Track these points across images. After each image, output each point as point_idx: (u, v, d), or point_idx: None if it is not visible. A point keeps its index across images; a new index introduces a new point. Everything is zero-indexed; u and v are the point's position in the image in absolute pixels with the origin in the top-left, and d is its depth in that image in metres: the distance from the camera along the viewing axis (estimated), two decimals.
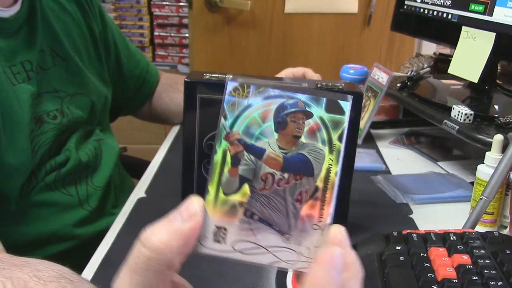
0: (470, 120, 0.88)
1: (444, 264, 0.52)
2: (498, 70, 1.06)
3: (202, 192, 0.68)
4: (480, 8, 0.91)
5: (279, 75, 1.07)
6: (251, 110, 0.34)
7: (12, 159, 0.70)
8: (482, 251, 0.53)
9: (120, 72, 1.03)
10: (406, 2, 1.13)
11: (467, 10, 0.94)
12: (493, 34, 0.87)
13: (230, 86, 0.34)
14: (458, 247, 0.55)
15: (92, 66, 0.92)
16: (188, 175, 0.67)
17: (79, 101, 0.86)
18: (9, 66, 0.74)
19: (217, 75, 0.65)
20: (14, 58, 0.75)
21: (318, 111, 0.33)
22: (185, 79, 0.63)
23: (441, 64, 1.20)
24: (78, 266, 0.59)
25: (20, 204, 0.77)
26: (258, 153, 0.33)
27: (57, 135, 0.80)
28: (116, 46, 1.01)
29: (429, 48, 2.00)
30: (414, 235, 0.58)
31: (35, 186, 0.79)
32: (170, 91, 1.12)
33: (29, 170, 0.74)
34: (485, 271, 0.50)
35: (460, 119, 0.88)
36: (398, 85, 1.10)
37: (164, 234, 0.30)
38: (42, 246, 0.80)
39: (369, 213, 0.76)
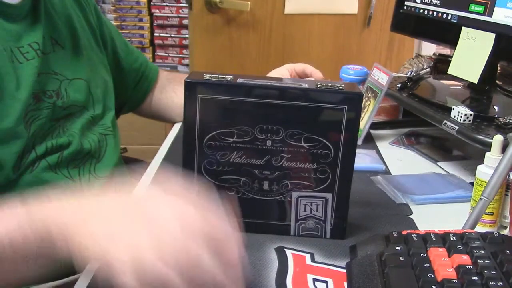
0: (470, 120, 0.88)
1: (444, 264, 0.52)
2: (498, 71, 1.06)
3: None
4: (480, 8, 0.91)
5: (279, 69, 1.07)
6: None
7: (6, 123, 0.75)
8: (482, 252, 0.53)
9: (118, 66, 1.06)
10: (406, 3, 1.13)
11: (467, 10, 0.94)
12: (493, 35, 0.87)
13: None
14: (458, 247, 0.55)
15: (92, 54, 0.97)
16: (188, 175, 0.67)
17: (77, 85, 0.90)
18: (17, 47, 0.80)
19: (217, 75, 0.65)
20: (21, 40, 0.81)
21: None
22: (186, 80, 0.64)
23: (441, 64, 1.20)
24: None
25: (21, 177, 0.79)
26: None
27: (52, 114, 0.84)
28: (113, 41, 1.05)
29: (429, 48, 2.00)
30: (414, 235, 0.58)
31: (37, 163, 0.81)
32: (174, 84, 1.14)
33: (23, 139, 0.78)
34: (485, 271, 0.50)
35: (460, 120, 0.88)
36: (398, 85, 1.10)
37: None
38: None
39: (369, 213, 0.76)
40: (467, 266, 0.51)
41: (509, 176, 0.70)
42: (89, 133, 0.91)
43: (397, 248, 0.56)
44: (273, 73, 1.08)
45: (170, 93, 1.14)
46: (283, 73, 1.07)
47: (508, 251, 0.53)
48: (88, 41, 0.97)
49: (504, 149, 0.67)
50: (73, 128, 0.88)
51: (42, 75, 0.83)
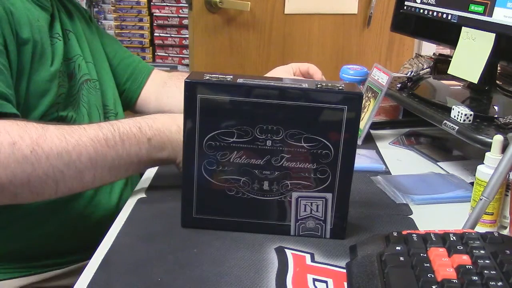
0: (469, 120, 0.88)
1: (444, 264, 0.52)
2: (498, 71, 1.06)
3: (202, 192, 0.69)
4: (480, 8, 0.91)
5: (284, 67, 1.07)
6: None
7: (44, 75, 0.82)
8: (482, 252, 0.53)
9: (108, 61, 1.10)
10: (406, 3, 1.13)
11: (467, 10, 0.94)
12: (493, 35, 0.87)
13: None
14: (458, 247, 0.55)
15: (92, 40, 1.05)
16: (188, 175, 0.67)
17: (88, 65, 0.99)
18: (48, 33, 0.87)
19: (217, 75, 0.65)
20: (50, 28, 0.88)
21: None
22: (186, 80, 0.64)
23: (440, 64, 1.20)
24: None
25: None
26: None
27: (68, 90, 0.90)
28: (103, 39, 1.10)
29: (429, 48, 2.00)
30: (414, 235, 0.58)
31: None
32: (175, 80, 1.16)
33: (53, 96, 0.84)
34: (485, 271, 0.50)
35: (460, 120, 0.88)
36: (398, 85, 1.10)
37: None
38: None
39: (369, 213, 0.76)
40: (467, 266, 0.51)
41: (509, 176, 0.70)
42: (96, 111, 0.98)
43: (397, 248, 0.56)
44: (277, 70, 1.08)
45: (172, 87, 1.15)
46: (288, 70, 1.07)
47: (508, 251, 0.53)
48: (85, 30, 1.03)
49: (504, 149, 0.67)
50: (86, 100, 0.95)
51: (63, 61, 0.89)
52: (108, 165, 0.72)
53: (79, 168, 0.70)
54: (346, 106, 0.63)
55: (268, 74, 1.05)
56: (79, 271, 0.60)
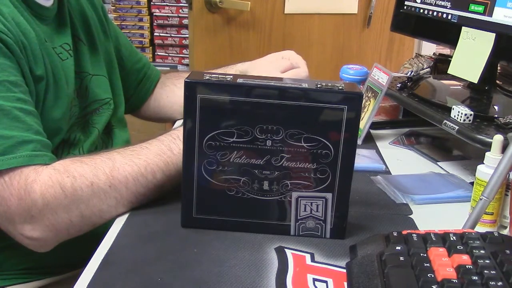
0: (470, 120, 0.88)
1: (444, 264, 0.52)
2: (498, 71, 1.06)
3: (202, 192, 0.69)
4: (480, 8, 0.91)
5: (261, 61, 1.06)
6: None
7: (57, 114, 0.82)
8: (482, 251, 0.53)
9: (120, 64, 1.09)
10: (406, 3, 1.13)
11: (467, 10, 0.94)
12: (493, 35, 0.87)
13: None
14: (458, 247, 0.55)
15: (107, 48, 1.03)
16: (188, 175, 0.67)
17: (99, 81, 0.96)
18: (53, 47, 0.84)
19: (217, 75, 0.65)
20: (54, 41, 0.85)
21: None
22: (186, 79, 0.64)
23: (441, 64, 1.20)
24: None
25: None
26: None
27: (79, 112, 0.90)
28: (117, 40, 1.08)
29: (429, 48, 2.00)
30: (414, 235, 0.58)
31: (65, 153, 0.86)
32: (173, 79, 1.17)
33: (63, 133, 0.84)
34: (485, 271, 0.50)
35: (460, 120, 0.88)
36: (398, 85, 1.10)
37: None
38: None
39: (369, 213, 0.76)
40: (467, 266, 0.51)
41: (509, 176, 0.70)
42: (106, 128, 0.98)
43: (397, 248, 0.56)
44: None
45: (170, 86, 1.15)
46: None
47: (508, 251, 0.53)
48: (100, 36, 1.01)
49: (504, 149, 0.67)
50: (98, 122, 0.94)
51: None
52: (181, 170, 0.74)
53: (157, 184, 0.73)
54: (346, 106, 0.63)
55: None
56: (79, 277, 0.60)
